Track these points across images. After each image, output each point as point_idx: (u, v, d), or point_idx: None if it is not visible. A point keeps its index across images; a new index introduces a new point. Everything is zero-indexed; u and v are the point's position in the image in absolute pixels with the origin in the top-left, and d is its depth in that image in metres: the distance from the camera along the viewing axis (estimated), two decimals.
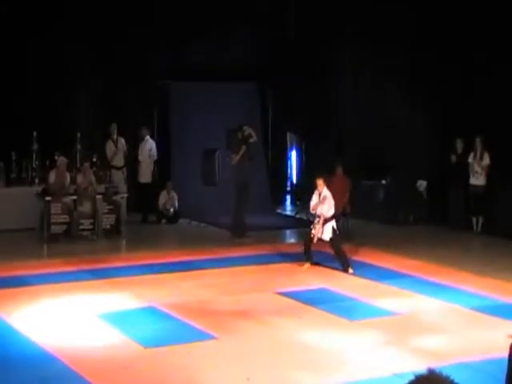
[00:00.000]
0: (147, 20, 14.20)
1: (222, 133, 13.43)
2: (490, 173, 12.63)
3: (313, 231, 10.17)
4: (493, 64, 12.43)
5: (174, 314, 7.99)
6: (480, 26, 12.57)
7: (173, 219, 13.86)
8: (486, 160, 12.71)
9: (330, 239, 10.20)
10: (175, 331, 7.43)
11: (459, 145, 13.16)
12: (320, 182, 10.23)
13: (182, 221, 13.92)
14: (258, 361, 6.66)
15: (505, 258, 10.86)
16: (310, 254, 10.33)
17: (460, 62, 13.06)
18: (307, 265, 10.26)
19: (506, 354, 5.45)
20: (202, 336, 7.25)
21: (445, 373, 2.02)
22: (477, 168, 12.82)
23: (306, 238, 10.40)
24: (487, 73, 12.54)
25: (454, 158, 13.14)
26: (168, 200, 13.97)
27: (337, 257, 10.21)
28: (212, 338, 7.21)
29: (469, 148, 12.98)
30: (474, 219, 12.98)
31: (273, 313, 8.11)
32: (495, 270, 10.11)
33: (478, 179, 12.83)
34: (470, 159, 12.89)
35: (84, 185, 12.46)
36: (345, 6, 14.82)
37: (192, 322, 7.67)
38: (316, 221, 10.17)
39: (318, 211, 10.16)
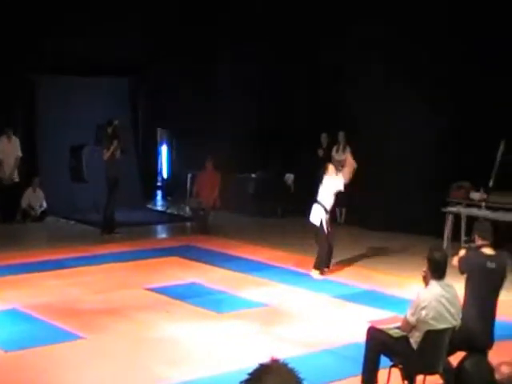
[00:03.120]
0: (12, 10, 13.58)
1: (91, 128, 13.16)
2: None
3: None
4: (347, 62, 12.96)
5: (38, 315, 7.73)
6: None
7: (39, 218, 13.43)
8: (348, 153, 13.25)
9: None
10: (39, 333, 7.20)
11: (324, 139, 13.65)
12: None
13: (49, 219, 13.51)
14: (126, 358, 6.59)
15: (366, 247, 11.36)
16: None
17: (307, 62, 13.55)
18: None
19: (364, 339, 5.75)
20: (67, 336, 7.07)
21: (286, 362, 2.11)
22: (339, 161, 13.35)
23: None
24: (343, 72, 13.06)
25: (320, 152, 13.58)
26: (34, 198, 13.52)
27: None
28: (79, 337, 7.06)
29: (334, 142, 13.49)
30: (338, 210, 13.50)
31: (142, 309, 8.05)
32: (358, 259, 10.57)
33: (340, 171, 13.34)
34: (333, 152, 13.40)
35: None
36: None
37: (58, 323, 7.47)
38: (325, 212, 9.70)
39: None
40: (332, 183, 9.69)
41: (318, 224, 9.66)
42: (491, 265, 5.80)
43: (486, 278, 5.78)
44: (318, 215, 9.68)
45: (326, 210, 9.70)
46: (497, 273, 5.83)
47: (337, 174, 9.79)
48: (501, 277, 5.87)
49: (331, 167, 9.80)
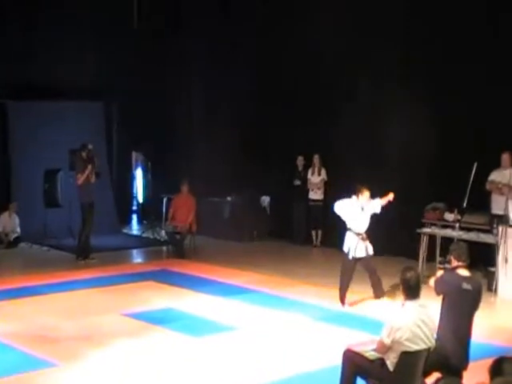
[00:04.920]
0: None
1: (65, 152, 13.12)
2: (327, 188, 13.28)
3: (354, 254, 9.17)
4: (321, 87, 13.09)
5: (10, 342, 7.60)
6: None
7: (12, 244, 13.29)
8: (323, 175, 13.35)
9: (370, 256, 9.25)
10: (11, 361, 7.06)
11: (300, 162, 13.72)
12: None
13: (22, 245, 13.37)
14: None
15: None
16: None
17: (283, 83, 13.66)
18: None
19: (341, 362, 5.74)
20: (41, 364, 6.95)
21: None
22: (315, 183, 13.43)
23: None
24: (325, 94, 13.18)
25: (296, 182, 13.62)
26: (8, 223, 13.39)
27: (374, 277, 9.34)
28: (53, 365, 6.95)
29: (309, 164, 13.57)
30: (314, 233, 13.57)
31: (118, 335, 7.96)
32: (334, 281, 10.53)
33: (316, 194, 13.44)
34: (309, 175, 13.48)
35: None
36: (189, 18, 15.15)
37: (31, 351, 7.35)
38: (360, 237, 9.19)
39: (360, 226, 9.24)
40: (369, 207, 9.23)
41: (346, 251, 9.22)
42: (467, 286, 5.84)
43: (461, 299, 5.82)
44: (347, 244, 9.23)
45: (361, 237, 9.20)
46: (472, 294, 5.87)
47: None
48: (476, 298, 5.91)
49: (367, 193, 9.16)
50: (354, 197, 9.23)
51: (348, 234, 9.27)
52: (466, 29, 11.11)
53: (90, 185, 12.06)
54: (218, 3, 15.04)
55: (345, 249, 9.27)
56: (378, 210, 9.36)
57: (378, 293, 9.35)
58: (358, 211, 9.20)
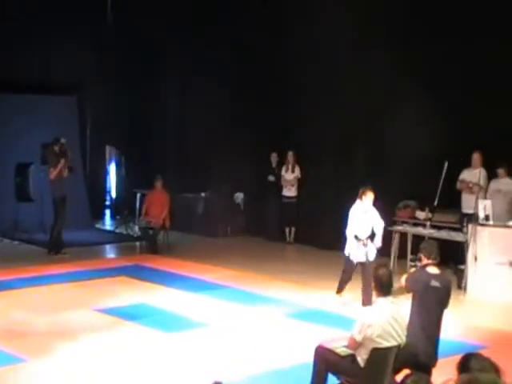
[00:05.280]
0: None
1: (37, 146, 12.98)
2: (301, 185, 13.32)
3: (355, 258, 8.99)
4: (302, 83, 13.10)
5: None
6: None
7: None
8: (297, 173, 13.40)
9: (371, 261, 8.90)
10: None
11: (273, 158, 13.76)
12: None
13: None
14: (70, 383, 6.47)
15: (315, 266, 11.42)
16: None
17: (281, 81, 13.65)
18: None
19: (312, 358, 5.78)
20: (9, 360, 6.88)
21: None
22: (288, 180, 13.48)
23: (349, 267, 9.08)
24: (300, 92, 13.20)
25: (271, 178, 13.65)
26: None
27: (366, 283, 8.81)
28: (22, 361, 6.89)
29: (283, 161, 13.58)
30: (287, 229, 13.61)
31: (89, 330, 7.92)
32: (307, 277, 10.62)
33: (290, 191, 13.48)
34: (283, 172, 13.51)
35: None
36: (165, 15, 15.03)
37: (0, 346, 7.29)
38: (361, 243, 8.94)
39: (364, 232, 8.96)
40: (372, 215, 8.97)
41: (346, 255, 9.09)
42: (435, 283, 5.91)
43: (430, 296, 5.89)
44: (348, 248, 9.08)
45: (363, 242, 8.94)
46: (441, 291, 5.94)
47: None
48: (445, 295, 5.98)
49: (371, 195, 8.90)
50: (357, 201, 9.01)
51: (349, 238, 9.12)
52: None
53: (62, 179, 11.96)
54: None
55: (345, 252, 9.11)
56: (377, 226, 9.08)
57: (365, 300, 8.81)
58: (360, 216, 8.96)
